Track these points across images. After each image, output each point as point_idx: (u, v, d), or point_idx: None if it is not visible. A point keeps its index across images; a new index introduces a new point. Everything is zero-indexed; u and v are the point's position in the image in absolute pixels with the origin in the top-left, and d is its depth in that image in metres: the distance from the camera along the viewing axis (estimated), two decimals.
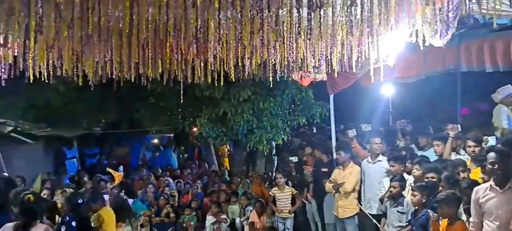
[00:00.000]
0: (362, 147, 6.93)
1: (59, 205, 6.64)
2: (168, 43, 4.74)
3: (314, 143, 8.33)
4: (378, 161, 6.16)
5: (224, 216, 8.31)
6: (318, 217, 7.66)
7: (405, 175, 5.50)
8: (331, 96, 7.99)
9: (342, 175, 6.49)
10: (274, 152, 12.23)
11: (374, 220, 5.94)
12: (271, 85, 6.98)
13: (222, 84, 6.07)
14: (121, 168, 10.52)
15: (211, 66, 5.38)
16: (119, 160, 14.05)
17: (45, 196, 7.34)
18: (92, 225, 5.51)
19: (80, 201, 5.31)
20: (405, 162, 5.59)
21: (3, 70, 5.43)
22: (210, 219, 8.26)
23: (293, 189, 7.64)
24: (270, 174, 13.29)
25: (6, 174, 7.25)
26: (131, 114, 12.73)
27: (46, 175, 9.68)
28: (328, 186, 6.63)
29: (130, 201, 7.86)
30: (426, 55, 6.50)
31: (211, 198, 8.89)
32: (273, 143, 10.84)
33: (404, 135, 7.57)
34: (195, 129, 11.91)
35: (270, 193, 7.90)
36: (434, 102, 12.41)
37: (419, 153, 6.11)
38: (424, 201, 4.65)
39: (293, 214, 7.75)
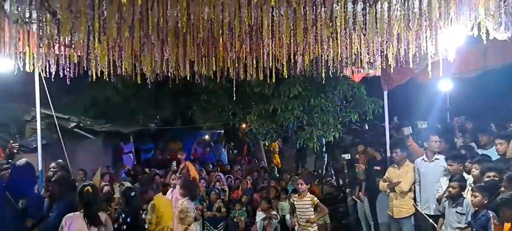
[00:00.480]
0: (418, 145, 6.70)
1: (115, 198, 7.01)
2: (221, 41, 4.84)
3: (367, 140, 8.16)
4: (436, 159, 5.92)
5: (274, 212, 8.36)
6: (370, 216, 7.50)
7: (465, 175, 5.26)
8: (385, 92, 7.77)
9: (397, 174, 6.31)
10: (324, 149, 12.12)
11: (431, 221, 5.73)
12: (323, 82, 6.89)
13: (273, 81, 6.08)
14: (174, 163, 10.84)
15: (263, 63, 5.42)
16: (172, 155, 14.52)
17: (104, 189, 7.79)
18: (147, 215, 5.76)
19: (133, 193, 5.55)
20: (464, 161, 5.35)
21: (68, 69, 5.80)
22: (260, 214, 8.33)
23: (315, 198, 6.17)
24: (320, 171, 13.21)
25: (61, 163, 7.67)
26: (184, 111, 13.12)
27: (105, 168, 10.17)
28: (383, 185, 6.47)
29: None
30: (486, 48, 6.15)
31: (261, 194, 8.95)
32: (324, 140, 10.73)
33: (462, 132, 7.23)
34: (244, 126, 12.04)
35: (291, 200, 6.71)
36: (495, 98, 11.72)
37: (480, 151, 5.82)
38: (485, 202, 4.42)
39: (316, 226, 6.19)
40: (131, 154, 13.23)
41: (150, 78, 5.97)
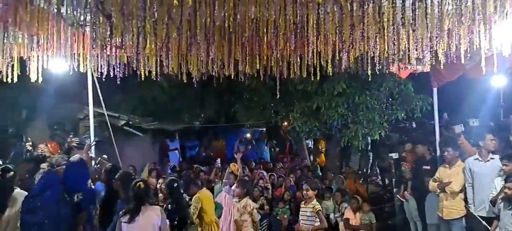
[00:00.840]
0: (469, 144, 6.41)
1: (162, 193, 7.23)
2: (266, 40, 4.87)
3: (415, 138, 7.91)
4: (491, 159, 5.65)
5: None
6: (417, 217, 7.28)
7: None
8: (435, 89, 7.49)
9: (448, 174, 6.08)
10: (369, 147, 11.88)
11: (484, 223, 5.48)
12: (368, 78, 6.78)
13: (317, 78, 6.03)
14: (218, 160, 11.02)
15: (307, 61, 5.39)
16: (215, 152, 14.77)
17: (152, 184, 8.06)
18: (192, 209, 5.90)
19: (175, 184, 5.68)
20: None
21: (118, 69, 6.05)
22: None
23: (318, 205, 5.86)
24: (364, 170, 12.98)
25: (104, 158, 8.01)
26: (228, 109, 13.30)
27: (152, 164, 10.51)
28: (432, 185, 6.25)
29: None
30: None
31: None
32: (369, 138, 10.52)
33: None
34: (286, 123, 12.04)
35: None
36: None
37: None
38: None
39: None
40: (177, 151, 13.59)
41: (196, 78, 6.10)
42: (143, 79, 6.09)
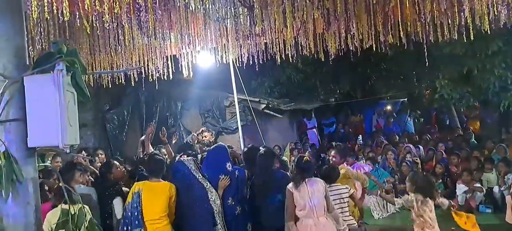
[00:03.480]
0: None
1: None
2: (408, 5, 4.51)
3: None
4: None
5: (478, 185, 7.52)
6: None
7: None
8: None
9: None
10: None
11: None
12: None
13: (471, 39, 5.36)
14: (360, 137, 10.75)
15: (458, 21, 4.84)
16: (354, 128, 14.47)
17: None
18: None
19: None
20: None
21: (257, 56, 6.31)
22: (461, 187, 7.58)
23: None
24: None
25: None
26: (364, 82, 12.85)
27: (293, 144, 10.77)
28: None
29: (367, 167, 7.94)
30: None
31: (462, 165, 8.14)
32: None
33: None
34: (428, 91, 11.12)
35: None
36: None
37: None
38: None
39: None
40: (314, 129, 13.67)
41: (332, 54, 6.00)
42: (279, 62, 6.25)
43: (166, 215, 4.07)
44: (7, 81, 2.00)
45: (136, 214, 3.99)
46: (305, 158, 4.41)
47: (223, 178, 4.36)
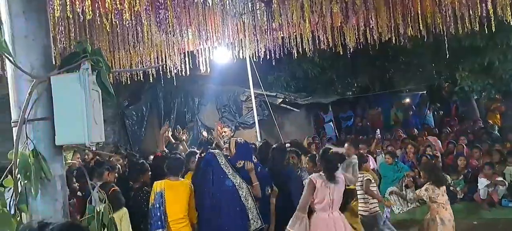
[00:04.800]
0: None
1: None
2: None
3: None
4: None
5: (500, 178, 7.37)
6: None
7: None
8: None
9: None
10: None
11: None
12: None
13: (493, 30, 5.24)
14: (378, 131, 10.63)
15: (481, 12, 4.75)
16: (372, 121, 14.31)
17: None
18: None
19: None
20: None
21: (273, 51, 6.29)
22: (483, 181, 7.44)
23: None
24: None
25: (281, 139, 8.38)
26: (382, 75, 12.70)
27: (311, 138, 10.73)
28: None
29: (372, 163, 7.86)
30: None
31: (483, 158, 7.99)
32: None
33: None
34: (447, 84, 10.91)
35: None
36: None
37: None
38: None
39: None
40: (331, 123, 13.61)
41: (351, 47, 5.96)
42: (295, 56, 6.24)
43: (187, 215, 4.02)
44: (34, 80, 2.04)
45: (158, 214, 3.90)
46: (331, 150, 4.21)
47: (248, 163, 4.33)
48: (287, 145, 5.52)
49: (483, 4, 4.50)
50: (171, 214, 3.92)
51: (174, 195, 3.97)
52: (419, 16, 4.94)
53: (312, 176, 4.13)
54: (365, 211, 5.35)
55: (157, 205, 3.92)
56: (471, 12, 4.77)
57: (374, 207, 5.30)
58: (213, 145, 6.94)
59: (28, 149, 2.01)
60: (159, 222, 3.88)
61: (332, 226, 4.03)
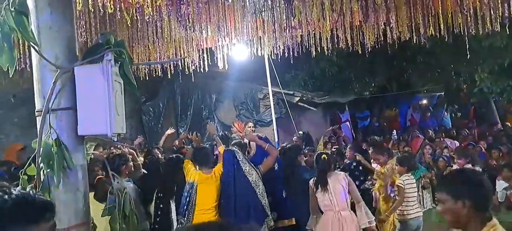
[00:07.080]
0: None
1: None
2: None
3: None
4: None
5: None
6: None
7: None
8: None
9: None
10: None
11: None
12: None
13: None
14: (394, 132, 10.54)
15: (503, 12, 4.65)
16: (388, 122, 14.18)
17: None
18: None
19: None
20: None
21: (292, 49, 6.27)
22: (501, 184, 7.29)
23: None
24: None
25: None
26: (399, 75, 12.56)
27: (327, 138, 10.68)
28: None
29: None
30: None
31: (502, 160, 7.84)
32: None
33: None
34: (466, 85, 10.71)
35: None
36: None
37: None
38: None
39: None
40: (348, 122, 13.51)
41: (370, 47, 5.89)
42: (313, 55, 6.20)
43: (216, 206, 4.20)
44: (58, 71, 2.08)
45: (184, 202, 4.14)
46: (323, 155, 4.57)
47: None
48: (300, 132, 5.69)
49: (506, 4, 4.42)
50: (201, 204, 4.13)
51: (206, 188, 4.19)
52: (440, 15, 4.88)
53: (309, 181, 4.54)
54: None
55: (186, 194, 4.16)
56: (492, 12, 4.68)
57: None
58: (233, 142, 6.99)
59: (51, 138, 2.06)
60: (182, 210, 4.15)
61: (337, 225, 4.31)
